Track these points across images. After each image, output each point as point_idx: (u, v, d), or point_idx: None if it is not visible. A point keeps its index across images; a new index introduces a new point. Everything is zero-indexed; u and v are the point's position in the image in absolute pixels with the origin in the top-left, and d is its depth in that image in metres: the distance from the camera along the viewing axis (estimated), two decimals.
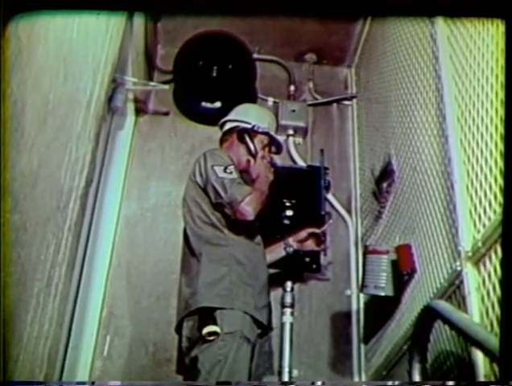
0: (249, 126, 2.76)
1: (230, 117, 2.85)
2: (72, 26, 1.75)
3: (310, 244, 2.84)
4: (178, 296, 2.48)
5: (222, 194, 2.39)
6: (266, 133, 2.78)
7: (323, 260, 3.12)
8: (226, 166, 2.47)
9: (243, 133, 2.74)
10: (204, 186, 2.48)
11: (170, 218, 3.24)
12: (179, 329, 2.39)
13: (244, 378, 2.19)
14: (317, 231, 2.83)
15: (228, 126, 2.82)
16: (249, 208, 2.35)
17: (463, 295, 1.84)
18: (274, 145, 2.86)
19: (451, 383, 1.85)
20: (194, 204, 2.51)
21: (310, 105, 3.75)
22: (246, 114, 2.83)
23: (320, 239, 2.84)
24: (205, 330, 2.18)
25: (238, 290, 2.32)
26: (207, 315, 2.23)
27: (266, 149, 2.79)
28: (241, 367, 2.20)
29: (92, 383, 2.70)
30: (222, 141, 2.84)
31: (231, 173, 2.45)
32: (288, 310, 3.04)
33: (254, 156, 2.71)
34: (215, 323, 2.20)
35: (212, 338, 2.18)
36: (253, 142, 2.72)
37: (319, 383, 2.89)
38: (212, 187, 2.42)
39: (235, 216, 2.38)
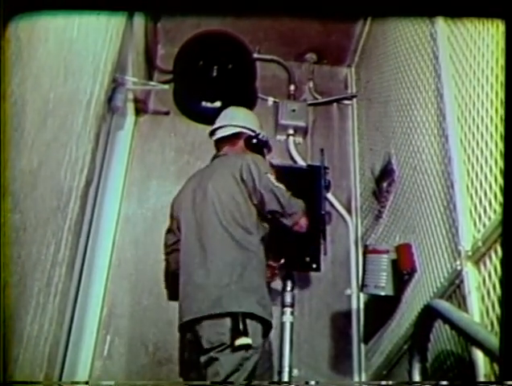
0: (254, 134, 2.83)
1: (232, 122, 2.87)
2: (72, 26, 1.75)
3: None
4: (188, 284, 2.42)
5: (284, 204, 2.47)
6: (265, 142, 2.89)
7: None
8: (275, 175, 2.56)
9: (252, 141, 2.82)
10: (252, 190, 2.50)
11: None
12: (193, 325, 2.34)
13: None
14: (273, 264, 2.80)
15: (231, 131, 2.84)
16: (306, 222, 2.52)
17: (463, 294, 1.84)
18: (266, 149, 2.96)
19: (445, 382, 1.86)
20: (230, 200, 2.51)
21: (310, 105, 3.75)
22: (250, 121, 2.89)
23: (274, 271, 2.81)
24: (239, 342, 2.19)
25: (268, 301, 2.38)
26: (239, 324, 2.22)
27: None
28: (251, 377, 2.26)
29: (87, 383, 2.70)
30: (221, 144, 2.85)
31: (280, 183, 2.54)
32: (288, 310, 3.04)
33: None
34: (247, 335, 2.20)
35: (242, 349, 2.20)
36: (264, 151, 2.84)
37: (312, 382, 2.90)
38: (272, 194, 2.48)
39: (293, 227, 2.49)
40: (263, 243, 2.49)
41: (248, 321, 2.24)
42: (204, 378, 2.26)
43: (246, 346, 2.19)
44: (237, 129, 2.83)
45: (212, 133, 2.90)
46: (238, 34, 3.56)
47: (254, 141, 2.82)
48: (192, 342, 2.37)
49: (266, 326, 2.34)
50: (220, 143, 2.85)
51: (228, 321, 2.24)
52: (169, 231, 2.73)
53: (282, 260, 2.89)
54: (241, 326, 2.21)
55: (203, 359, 2.27)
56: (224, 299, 2.28)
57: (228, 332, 2.21)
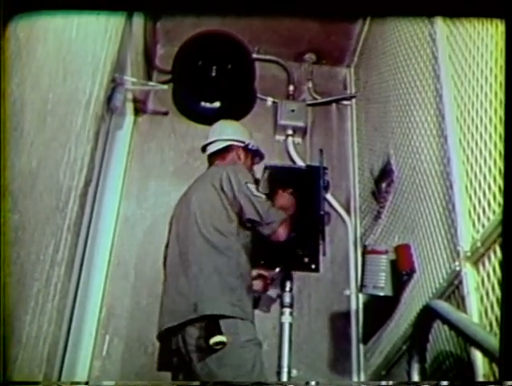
0: (243, 145, 2.92)
1: (221, 136, 2.94)
2: (71, 26, 1.75)
3: (256, 284, 2.77)
4: (172, 291, 2.46)
5: (262, 213, 2.52)
6: (256, 151, 2.98)
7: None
8: (256, 185, 2.64)
9: (243, 151, 2.92)
10: (232, 198, 2.55)
11: (169, 217, 3.23)
12: (177, 330, 2.37)
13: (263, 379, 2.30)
14: (265, 274, 2.83)
15: (221, 146, 2.91)
16: (285, 232, 2.57)
17: (462, 295, 1.84)
18: (258, 157, 3.07)
19: (445, 383, 1.85)
20: (210, 209, 2.57)
21: (309, 105, 3.75)
22: (238, 133, 2.96)
23: (267, 282, 2.85)
24: (214, 340, 2.21)
25: (247, 304, 2.42)
26: (212, 324, 2.26)
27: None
28: (263, 370, 2.30)
29: (87, 383, 2.70)
30: (213, 159, 2.92)
31: (261, 192, 2.62)
32: (287, 310, 3.04)
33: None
34: (220, 333, 2.23)
35: (218, 347, 2.22)
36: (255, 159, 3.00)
37: (313, 383, 2.90)
38: (250, 203, 2.53)
39: (270, 237, 2.55)
40: (244, 248, 2.54)
41: (225, 320, 2.26)
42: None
43: (221, 343, 2.21)
44: (226, 143, 2.90)
45: (203, 149, 2.99)
46: (238, 35, 3.56)
47: (244, 151, 2.91)
48: (179, 350, 2.38)
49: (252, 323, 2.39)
50: (211, 158, 2.94)
51: (213, 324, 2.27)
52: (166, 245, 2.76)
53: (277, 269, 2.90)
54: (213, 326, 2.25)
55: (201, 367, 2.27)
56: (200, 303, 2.32)
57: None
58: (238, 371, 2.22)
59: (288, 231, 2.58)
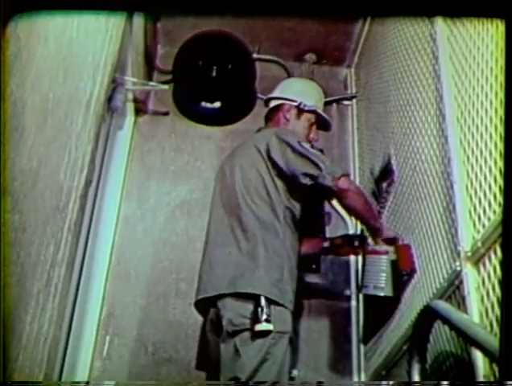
0: (295, 104, 2.74)
1: (275, 94, 2.83)
2: (71, 26, 1.75)
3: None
4: (210, 262, 2.34)
5: (321, 165, 2.30)
6: (312, 111, 2.76)
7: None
8: (310, 144, 2.47)
9: (293, 111, 2.74)
10: (284, 165, 2.37)
11: (169, 218, 3.24)
12: (212, 302, 2.26)
13: (285, 379, 2.18)
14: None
15: (273, 104, 2.80)
16: (348, 184, 2.34)
17: (462, 295, 1.84)
18: (321, 122, 2.83)
19: (445, 383, 1.85)
20: (256, 177, 2.41)
21: None
22: (291, 91, 2.81)
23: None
24: (259, 328, 2.08)
25: (288, 286, 2.27)
26: (263, 308, 2.11)
27: (314, 127, 2.78)
28: (286, 369, 2.19)
29: (87, 383, 2.70)
30: (268, 118, 2.81)
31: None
32: None
33: None
34: (269, 321, 2.09)
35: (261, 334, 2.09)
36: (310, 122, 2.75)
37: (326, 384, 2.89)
38: (307, 159, 2.33)
39: (336, 186, 2.30)
40: (292, 223, 2.41)
41: (273, 306, 2.14)
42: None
43: (267, 333, 2.09)
44: (277, 102, 2.78)
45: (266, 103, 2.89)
46: (238, 35, 3.56)
47: (297, 112, 2.73)
48: (212, 323, 2.30)
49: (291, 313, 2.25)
50: (266, 119, 2.82)
51: (251, 303, 2.14)
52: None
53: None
54: (263, 310, 2.10)
55: (225, 347, 2.16)
56: (238, 279, 2.20)
57: (250, 315, 2.12)
58: (264, 357, 2.08)
59: (353, 188, 2.36)
